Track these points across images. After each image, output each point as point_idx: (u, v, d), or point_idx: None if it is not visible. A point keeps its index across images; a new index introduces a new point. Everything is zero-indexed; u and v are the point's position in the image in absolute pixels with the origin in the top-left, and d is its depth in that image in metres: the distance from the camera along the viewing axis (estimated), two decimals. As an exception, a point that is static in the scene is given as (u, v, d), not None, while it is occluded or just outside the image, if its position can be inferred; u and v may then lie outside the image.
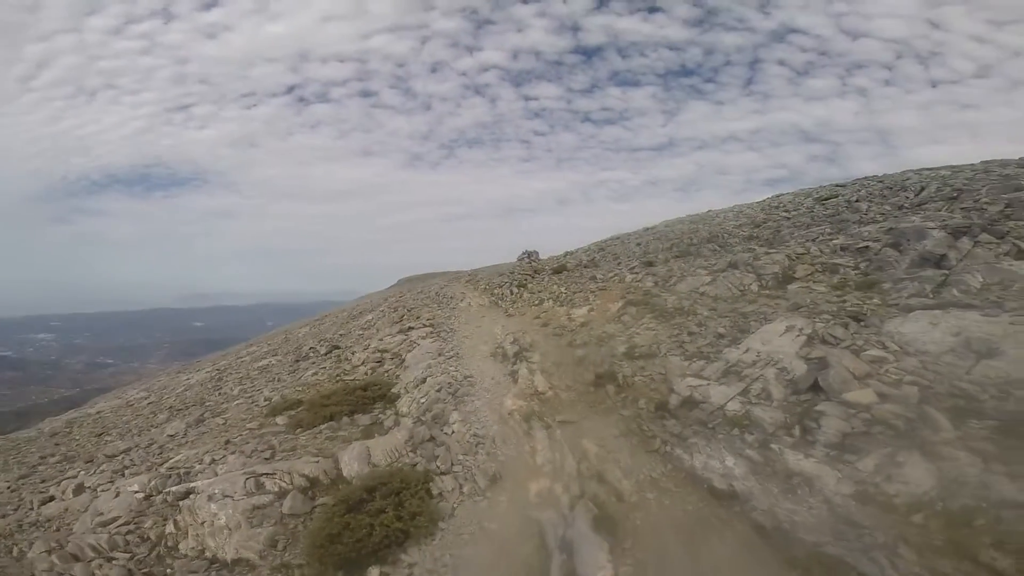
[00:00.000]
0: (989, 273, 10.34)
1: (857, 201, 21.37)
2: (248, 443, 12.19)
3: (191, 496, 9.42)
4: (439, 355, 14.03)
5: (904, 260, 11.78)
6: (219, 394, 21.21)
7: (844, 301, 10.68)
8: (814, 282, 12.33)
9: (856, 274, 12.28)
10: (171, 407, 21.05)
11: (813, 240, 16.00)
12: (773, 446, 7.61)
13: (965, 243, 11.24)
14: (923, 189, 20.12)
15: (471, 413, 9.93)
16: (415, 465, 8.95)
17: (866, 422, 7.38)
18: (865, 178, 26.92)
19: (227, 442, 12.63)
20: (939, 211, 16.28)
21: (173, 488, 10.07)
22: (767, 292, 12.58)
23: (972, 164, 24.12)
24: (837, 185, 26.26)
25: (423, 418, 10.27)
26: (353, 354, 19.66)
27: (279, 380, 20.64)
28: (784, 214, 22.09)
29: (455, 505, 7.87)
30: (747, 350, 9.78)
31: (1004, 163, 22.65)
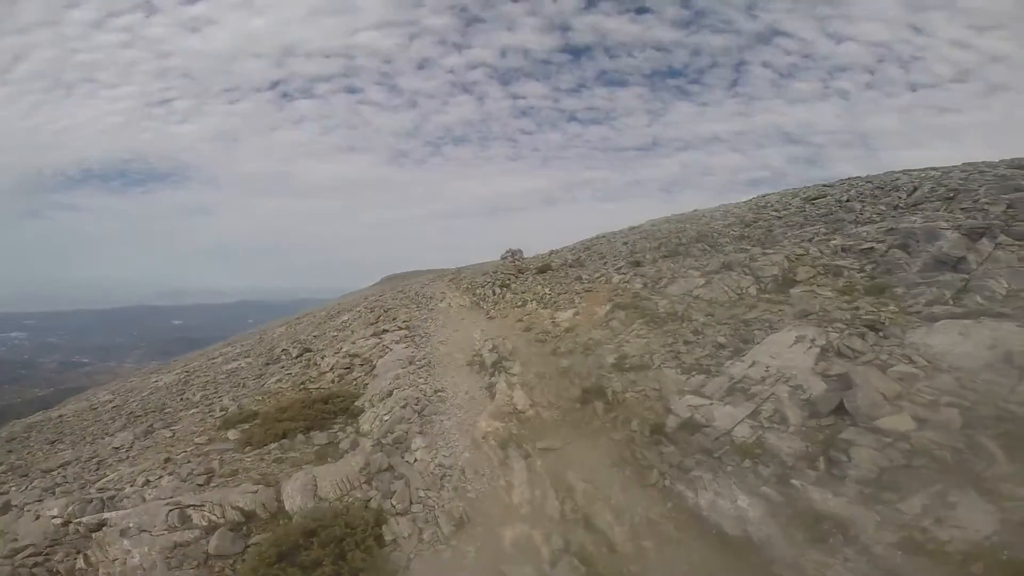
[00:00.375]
0: (1014, 278, 9.15)
1: (848, 201, 20.30)
2: (189, 462, 10.74)
3: (104, 528, 7.97)
4: (410, 363, 12.45)
5: (915, 263, 10.57)
6: (181, 400, 19.52)
7: (857, 308, 9.40)
8: (818, 286, 11.05)
9: (863, 277, 11.04)
10: (131, 413, 19.32)
11: (809, 240, 14.78)
12: (794, 482, 6.27)
13: (985, 245, 10.05)
14: (916, 189, 19.11)
15: (439, 436, 8.41)
16: (368, 501, 7.41)
17: (905, 453, 6.07)
18: (851, 178, 25.97)
19: (167, 460, 11.17)
20: (938, 211, 15.22)
21: (85, 519, 8.53)
22: (768, 296, 11.27)
23: (959, 165, 23.30)
24: (824, 185, 25.25)
25: (383, 440, 8.72)
26: (323, 358, 18.00)
27: (243, 386, 18.96)
28: (774, 213, 20.93)
29: (411, 556, 6.34)
30: (753, 364, 8.43)
31: (991, 164, 21.81)
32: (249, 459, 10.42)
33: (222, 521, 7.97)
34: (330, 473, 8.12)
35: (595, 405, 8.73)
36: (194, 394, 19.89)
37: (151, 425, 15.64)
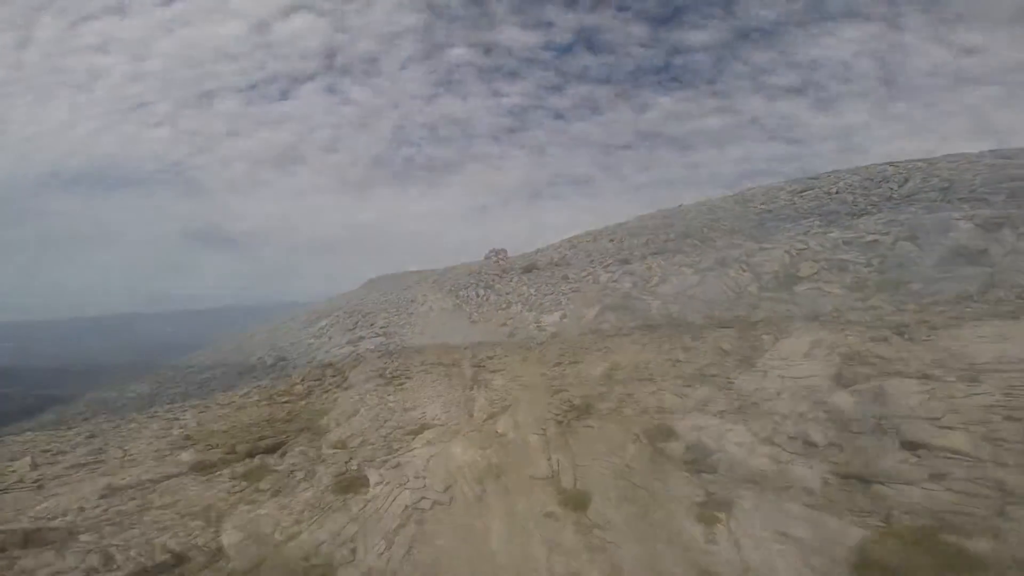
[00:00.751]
0: (1045, 270, 8.07)
1: (837, 192, 19.34)
2: (130, 489, 9.47)
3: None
4: (380, 377, 11.01)
5: (929, 256, 9.45)
6: (146, 413, 18.02)
7: (875, 308, 8.23)
8: (824, 282, 9.89)
9: (871, 272, 9.91)
10: (96, 428, 17.79)
11: (806, 233, 13.69)
12: (829, 520, 5.02)
13: (1007, 236, 8.95)
14: (907, 180, 18.19)
15: (406, 466, 7.01)
16: (319, 546, 6.03)
17: (963, 482, 4.86)
18: (836, 171, 25.07)
19: (108, 486, 9.81)
20: (936, 202, 14.24)
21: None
22: (771, 295, 10.07)
23: (943, 156, 22.48)
24: (810, 178, 24.29)
25: (343, 470, 7.32)
26: (295, 368, 16.55)
27: (211, 398, 17.53)
28: (762, 207, 19.90)
29: (363, 630, 4.99)
30: (765, 374, 7.18)
31: (976, 155, 21.04)
32: (195, 488, 9.10)
33: (150, 563, 6.76)
34: (278, 510, 6.77)
35: (586, 425, 7.40)
36: (161, 405, 18.49)
37: (106, 442, 14.25)
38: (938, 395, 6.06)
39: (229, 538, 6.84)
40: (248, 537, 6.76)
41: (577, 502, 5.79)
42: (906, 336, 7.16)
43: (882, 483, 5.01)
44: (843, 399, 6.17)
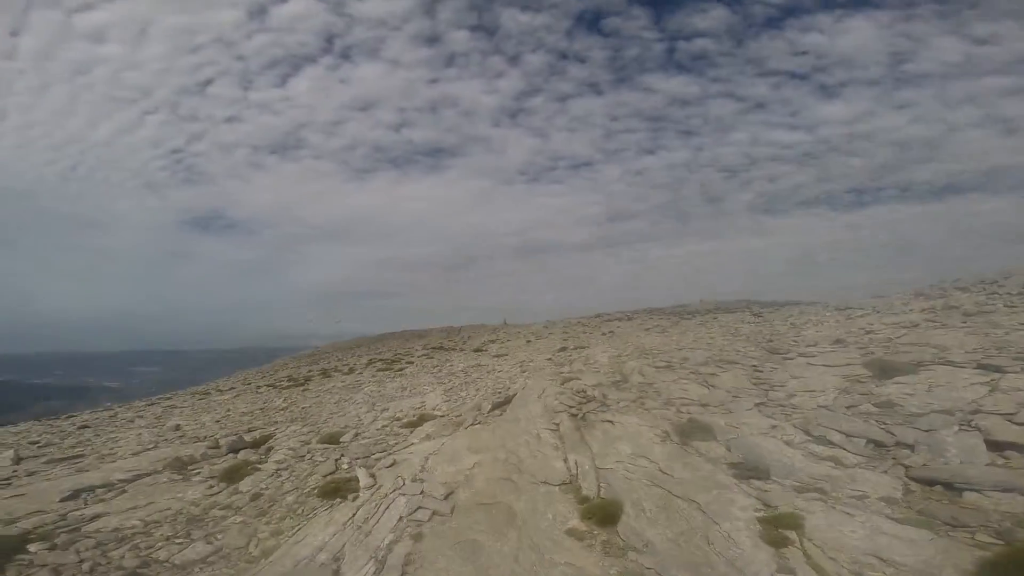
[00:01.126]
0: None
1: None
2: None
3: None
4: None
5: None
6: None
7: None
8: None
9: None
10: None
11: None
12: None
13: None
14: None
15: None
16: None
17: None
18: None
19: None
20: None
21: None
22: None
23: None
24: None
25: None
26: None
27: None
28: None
29: None
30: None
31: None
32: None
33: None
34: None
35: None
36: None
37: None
38: (1002, 387, 5.21)
39: (195, 552, 5.77)
40: (216, 551, 5.70)
41: (604, 515, 4.77)
42: (939, 322, 6.26)
43: (977, 490, 4.08)
44: (894, 391, 5.25)
